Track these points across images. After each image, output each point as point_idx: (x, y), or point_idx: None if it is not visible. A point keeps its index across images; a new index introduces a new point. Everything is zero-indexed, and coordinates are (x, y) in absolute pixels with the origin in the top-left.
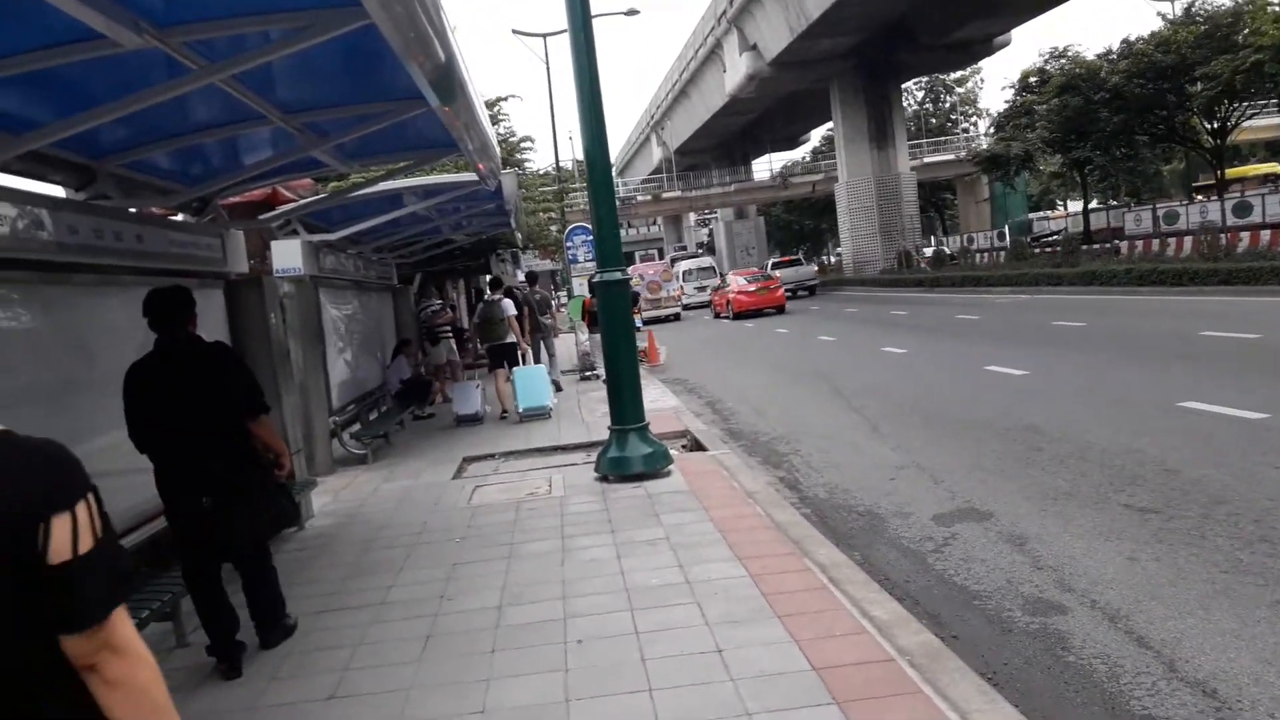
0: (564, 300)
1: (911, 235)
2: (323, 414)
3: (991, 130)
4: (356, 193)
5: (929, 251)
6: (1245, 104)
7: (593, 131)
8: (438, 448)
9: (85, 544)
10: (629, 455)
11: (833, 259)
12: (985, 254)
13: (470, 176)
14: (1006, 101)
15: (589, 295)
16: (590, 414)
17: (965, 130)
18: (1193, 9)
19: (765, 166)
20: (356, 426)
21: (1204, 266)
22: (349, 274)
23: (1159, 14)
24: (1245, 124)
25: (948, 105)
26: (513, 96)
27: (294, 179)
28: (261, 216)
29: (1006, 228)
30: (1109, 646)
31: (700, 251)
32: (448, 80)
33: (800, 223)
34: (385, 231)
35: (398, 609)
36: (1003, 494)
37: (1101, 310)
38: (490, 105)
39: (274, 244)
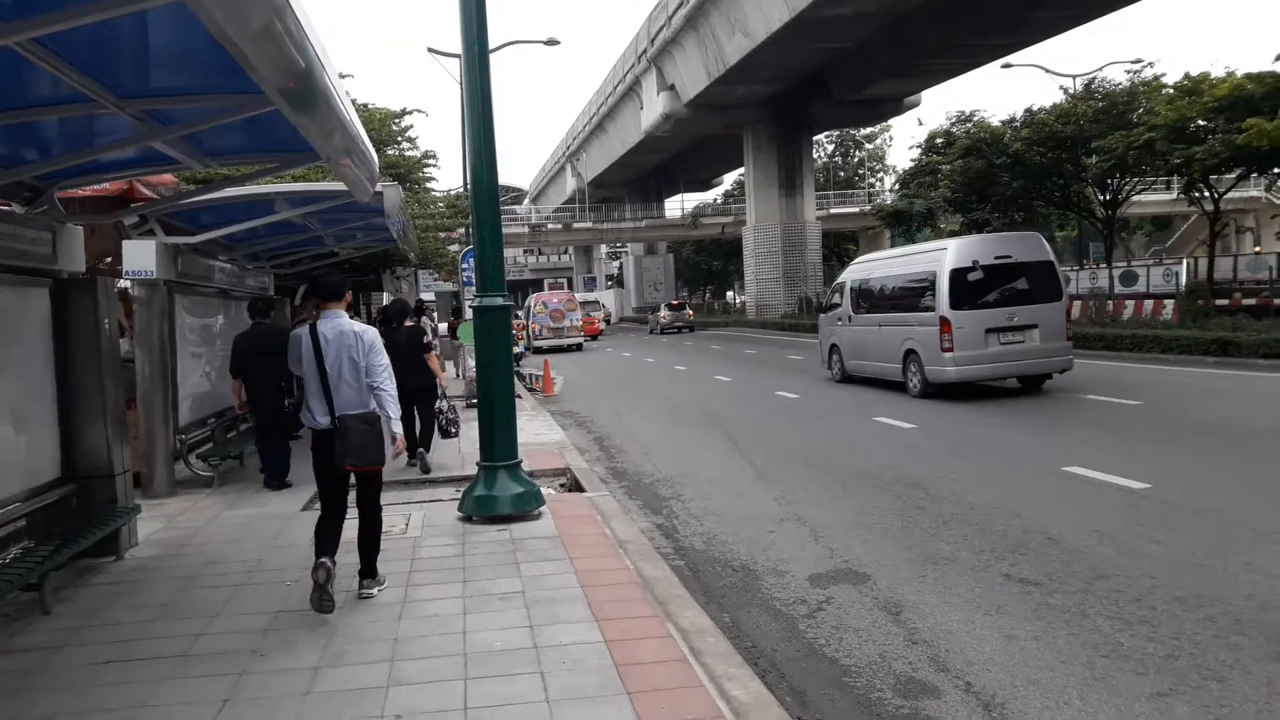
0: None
1: (813, 282)
2: (165, 431)
3: (896, 186)
4: (207, 195)
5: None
6: (1135, 179)
7: (480, 147)
8: (298, 474)
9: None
10: (496, 495)
11: (738, 300)
12: None
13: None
14: (912, 160)
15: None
16: (471, 445)
17: (871, 185)
18: (1093, 85)
19: (678, 205)
20: (210, 446)
21: (1091, 331)
22: (214, 281)
23: (1061, 87)
24: (1135, 198)
25: (856, 160)
26: (417, 111)
27: (148, 173)
28: (110, 214)
29: None
30: None
31: (610, 284)
32: (307, 90)
33: (709, 263)
34: (258, 238)
35: (198, 664)
36: (882, 555)
37: None
38: (397, 118)
39: (126, 244)
